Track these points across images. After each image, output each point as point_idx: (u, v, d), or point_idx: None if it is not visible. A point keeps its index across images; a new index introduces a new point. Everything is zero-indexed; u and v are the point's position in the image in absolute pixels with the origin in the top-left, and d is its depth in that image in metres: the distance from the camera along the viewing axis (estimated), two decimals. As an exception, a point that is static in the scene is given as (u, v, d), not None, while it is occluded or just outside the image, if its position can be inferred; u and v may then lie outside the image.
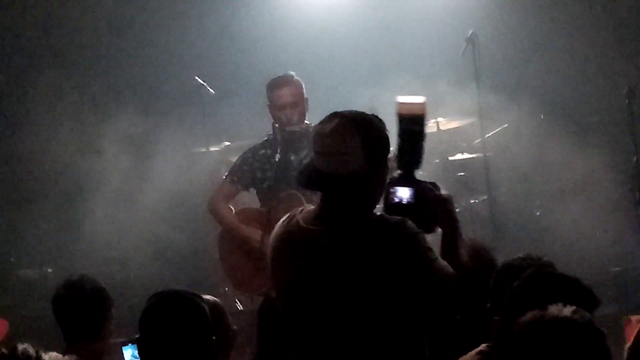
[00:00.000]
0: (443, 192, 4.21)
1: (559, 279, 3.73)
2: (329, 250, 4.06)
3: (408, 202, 4.15)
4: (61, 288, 5.47)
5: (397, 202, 4.16)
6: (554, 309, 3.08)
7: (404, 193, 4.17)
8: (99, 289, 5.44)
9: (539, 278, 3.72)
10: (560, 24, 9.66)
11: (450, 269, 4.03)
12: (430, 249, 4.05)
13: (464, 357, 4.12)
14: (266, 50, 9.56)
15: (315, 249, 4.08)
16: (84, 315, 5.34)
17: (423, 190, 4.19)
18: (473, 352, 4.08)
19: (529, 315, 3.10)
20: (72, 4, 9.48)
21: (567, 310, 3.07)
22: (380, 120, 4.20)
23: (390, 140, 4.19)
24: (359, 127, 4.11)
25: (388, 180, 4.20)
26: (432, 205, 4.16)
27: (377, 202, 4.24)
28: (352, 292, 4.00)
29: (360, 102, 8.78)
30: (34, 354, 2.93)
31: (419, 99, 4.25)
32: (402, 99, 4.24)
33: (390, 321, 4.03)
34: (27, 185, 9.23)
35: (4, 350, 2.90)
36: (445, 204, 4.18)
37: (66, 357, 3.15)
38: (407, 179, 4.22)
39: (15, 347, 2.92)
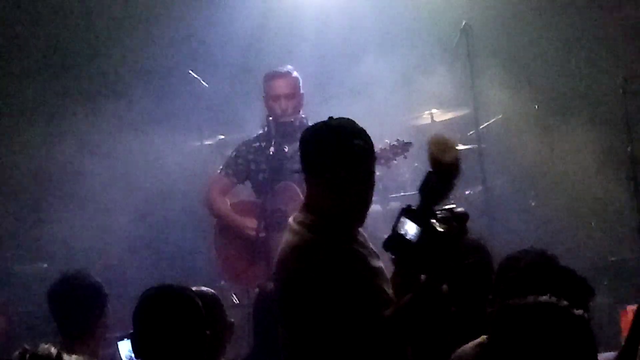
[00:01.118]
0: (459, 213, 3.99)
1: (554, 270, 3.74)
2: (279, 257, 4.21)
3: (411, 240, 3.91)
4: (57, 283, 5.47)
5: (401, 235, 3.94)
6: (531, 297, 3.10)
7: (410, 228, 3.92)
8: (94, 284, 5.44)
9: (534, 270, 3.74)
10: (555, 13, 9.64)
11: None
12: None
13: (463, 347, 4.13)
14: (261, 44, 9.53)
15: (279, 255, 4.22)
16: (80, 311, 5.34)
17: (430, 233, 3.89)
18: (472, 343, 4.10)
19: (510, 302, 3.13)
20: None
21: (546, 297, 3.10)
22: (350, 131, 4.18)
23: (360, 151, 4.15)
24: (312, 136, 4.22)
25: (404, 207, 4.02)
26: (434, 250, 3.91)
27: (351, 216, 4.22)
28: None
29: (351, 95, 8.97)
30: (55, 353, 2.93)
31: (454, 146, 4.08)
32: (438, 140, 4.08)
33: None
34: (22, 180, 9.20)
35: (26, 347, 2.91)
36: (447, 255, 3.94)
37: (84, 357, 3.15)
38: (420, 215, 3.95)
39: (37, 346, 2.92)
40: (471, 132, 9.08)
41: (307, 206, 4.22)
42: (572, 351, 3.01)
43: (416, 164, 8.01)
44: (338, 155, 4.10)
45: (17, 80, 9.30)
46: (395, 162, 7.37)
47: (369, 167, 4.23)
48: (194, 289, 4.09)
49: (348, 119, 4.24)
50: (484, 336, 4.00)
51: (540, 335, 2.99)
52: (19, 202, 9.16)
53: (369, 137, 4.22)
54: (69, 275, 5.49)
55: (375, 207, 8.70)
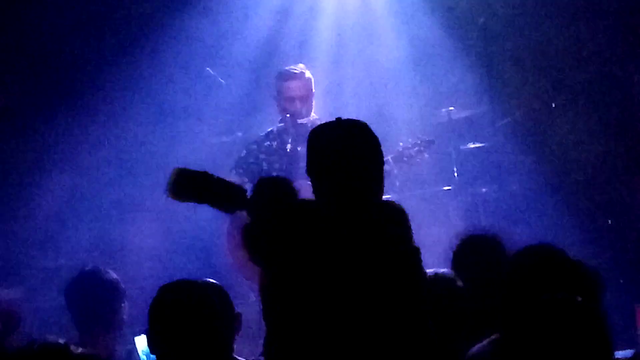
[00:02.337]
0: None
1: (564, 264, 3.73)
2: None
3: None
4: (75, 279, 5.50)
5: None
6: (546, 295, 3.11)
7: None
8: (112, 281, 5.47)
9: (545, 265, 3.73)
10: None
11: None
12: None
13: (478, 345, 4.13)
14: (278, 42, 9.53)
15: None
16: (97, 306, 5.37)
17: None
18: (486, 341, 4.10)
19: (525, 299, 3.13)
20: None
21: (561, 294, 3.10)
22: (344, 134, 4.09)
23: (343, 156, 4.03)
24: (310, 136, 4.21)
25: None
26: None
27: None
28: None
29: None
30: (63, 346, 2.95)
31: None
32: None
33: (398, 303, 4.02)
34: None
35: (35, 340, 2.93)
36: None
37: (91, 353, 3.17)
38: None
39: (45, 339, 2.94)
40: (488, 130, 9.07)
41: None
42: (588, 347, 3.01)
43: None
44: (325, 157, 4.07)
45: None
46: (418, 160, 7.37)
47: (360, 172, 4.04)
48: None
49: (355, 121, 4.14)
50: (497, 334, 4.00)
51: (556, 332, 3.00)
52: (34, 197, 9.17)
53: (373, 141, 4.08)
54: (88, 271, 5.52)
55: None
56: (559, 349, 3.00)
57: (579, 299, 3.09)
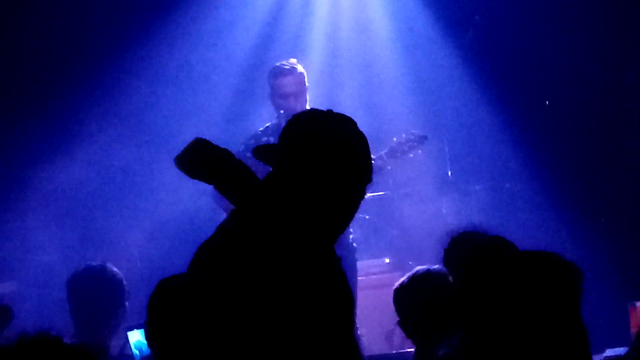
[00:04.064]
0: None
1: (542, 255, 3.70)
2: None
3: None
4: (80, 272, 5.48)
5: None
6: None
7: None
8: (117, 280, 5.45)
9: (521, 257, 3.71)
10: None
11: None
12: None
13: (447, 342, 4.15)
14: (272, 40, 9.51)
15: None
16: (100, 303, 5.36)
17: None
18: (455, 337, 4.11)
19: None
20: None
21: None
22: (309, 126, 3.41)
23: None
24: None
25: None
26: None
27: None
28: None
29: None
30: (55, 338, 2.94)
31: None
32: None
33: None
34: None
35: (26, 334, 2.92)
36: None
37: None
38: None
39: (37, 333, 2.93)
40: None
41: None
42: (557, 340, 3.01)
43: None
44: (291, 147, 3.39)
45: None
46: (411, 156, 7.37)
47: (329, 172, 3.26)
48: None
49: (343, 116, 3.41)
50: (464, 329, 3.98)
51: (522, 323, 3.01)
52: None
53: (353, 140, 3.33)
54: (94, 267, 5.50)
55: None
56: (526, 341, 3.01)
57: (545, 291, 3.09)
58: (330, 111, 3.41)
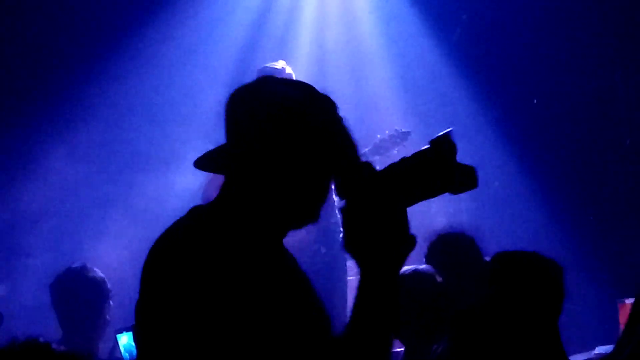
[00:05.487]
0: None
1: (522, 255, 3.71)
2: None
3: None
4: (61, 275, 5.48)
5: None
6: None
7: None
8: (98, 280, 5.46)
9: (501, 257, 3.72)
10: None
11: None
12: None
13: (435, 345, 4.16)
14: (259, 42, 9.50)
15: None
16: (82, 305, 5.36)
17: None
18: (443, 340, 4.12)
19: None
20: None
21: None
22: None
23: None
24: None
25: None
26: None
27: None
28: None
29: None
30: (45, 345, 2.93)
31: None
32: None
33: None
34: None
35: (16, 340, 2.91)
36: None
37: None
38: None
39: (26, 339, 2.93)
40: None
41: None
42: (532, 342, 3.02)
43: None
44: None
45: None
46: (395, 152, 7.36)
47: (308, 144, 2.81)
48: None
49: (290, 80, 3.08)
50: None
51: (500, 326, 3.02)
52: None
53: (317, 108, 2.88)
54: (74, 269, 5.51)
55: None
56: (506, 340, 3.03)
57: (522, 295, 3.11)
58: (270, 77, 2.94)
